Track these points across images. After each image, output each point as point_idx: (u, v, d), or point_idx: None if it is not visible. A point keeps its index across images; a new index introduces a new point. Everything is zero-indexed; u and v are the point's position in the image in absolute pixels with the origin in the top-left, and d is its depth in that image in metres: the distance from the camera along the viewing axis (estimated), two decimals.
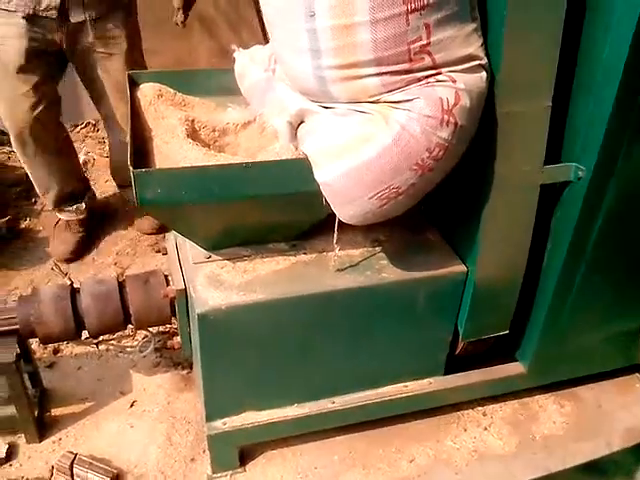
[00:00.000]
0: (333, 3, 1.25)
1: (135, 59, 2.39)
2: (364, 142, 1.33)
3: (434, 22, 1.27)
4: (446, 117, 1.30)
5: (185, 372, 2.18)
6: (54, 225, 2.73)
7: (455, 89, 1.31)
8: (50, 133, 2.43)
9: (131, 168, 1.37)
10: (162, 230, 2.74)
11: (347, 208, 1.42)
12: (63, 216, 2.70)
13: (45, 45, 2.23)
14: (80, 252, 2.69)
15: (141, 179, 1.37)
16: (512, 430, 2.04)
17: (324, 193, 1.43)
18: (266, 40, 2.59)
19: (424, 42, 1.28)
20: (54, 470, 1.84)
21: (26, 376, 1.91)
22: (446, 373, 1.95)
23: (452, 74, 1.32)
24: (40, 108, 2.31)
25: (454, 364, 1.95)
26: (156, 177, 1.40)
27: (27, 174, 2.79)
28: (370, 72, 1.30)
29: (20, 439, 1.93)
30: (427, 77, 1.31)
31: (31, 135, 2.35)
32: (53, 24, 2.18)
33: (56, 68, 2.36)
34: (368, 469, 1.90)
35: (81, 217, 2.72)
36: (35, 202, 2.91)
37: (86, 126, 3.33)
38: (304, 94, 1.45)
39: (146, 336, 2.24)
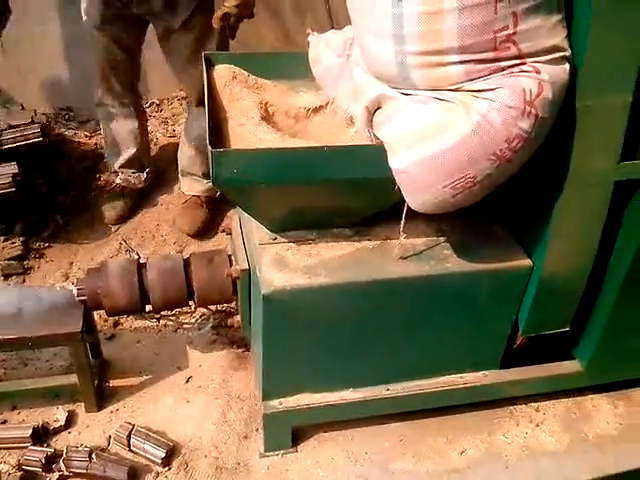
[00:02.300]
0: None
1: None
2: (443, 130, 1.33)
3: (522, 11, 1.26)
4: (528, 108, 1.29)
5: (240, 351, 2.21)
6: (110, 189, 2.89)
7: (539, 80, 1.30)
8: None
9: (209, 147, 1.39)
10: (199, 235, 2.77)
11: (420, 196, 1.42)
12: (122, 181, 2.83)
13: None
14: (123, 220, 2.81)
15: (219, 159, 1.40)
16: (564, 428, 2.02)
17: (398, 180, 1.43)
18: (332, 26, 2.61)
19: (511, 31, 1.27)
20: (111, 439, 1.90)
21: (87, 347, 1.96)
22: (502, 367, 1.94)
23: (536, 65, 1.31)
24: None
25: (510, 358, 1.94)
26: (233, 157, 1.42)
27: (93, 150, 2.89)
28: (454, 60, 1.29)
29: (79, 408, 2.00)
30: (511, 67, 1.30)
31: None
32: None
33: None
34: (418, 457, 1.90)
35: (138, 186, 2.86)
36: (100, 178, 2.98)
37: (150, 105, 3.38)
38: (382, 80, 1.45)
39: (204, 314, 2.29)
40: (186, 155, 2.76)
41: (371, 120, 1.48)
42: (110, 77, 2.55)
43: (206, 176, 2.69)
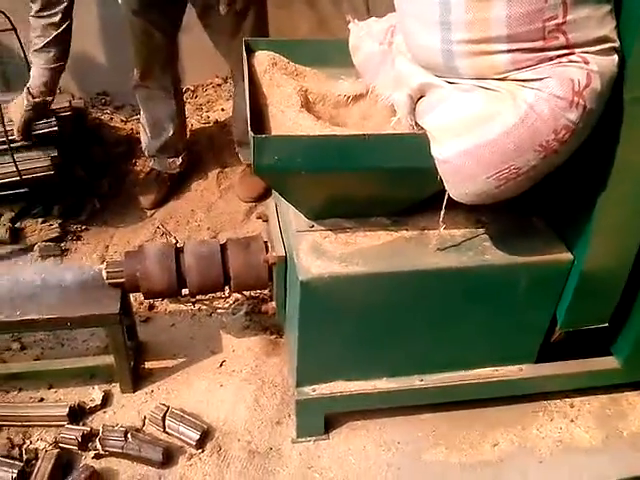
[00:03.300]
0: None
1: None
2: (489, 120, 1.31)
3: (571, 0, 1.24)
4: (576, 99, 1.27)
5: (273, 337, 2.22)
6: (146, 173, 2.94)
7: (587, 71, 1.27)
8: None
9: (251, 133, 1.39)
10: (259, 200, 2.80)
11: (463, 187, 1.40)
12: (158, 165, 2.86)
13: None
14: (158, 205, 2.84)
15: (261, 145, 1.40)
16: (599, 424, 2.00)
17: (440, 170, 1.41)
18: (369, 14, 2.60)
19: (560, 20, 1.24)
20: (146, 420, 1.93)
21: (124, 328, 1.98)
22: (537, 361, 1.92)
23: (585, 55, 1.28)
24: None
25: (546, 352, 1.91)
26: (276, 143, 1.42)
27: (128, 135, 2.92)
28: (501, 48, 1.27)
29: (115, 388, 2.03)
30: (559, 57, 1.28)
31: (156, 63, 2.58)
32: None
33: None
34: (450, 449, 1.90)
35: (172, 172, 2.88)
36: (136, 163, 3.01)
37: (185, 92, 3.39)
38: (427, 68, 1.43)
39: (237, 299, 2.30)
40: (239, 127, 2.78)
41: (414, 108, 1.47)
42: (149, 60, 2.56)
43: None
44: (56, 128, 2.47)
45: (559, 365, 1.95)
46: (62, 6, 2.21)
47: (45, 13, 2.21)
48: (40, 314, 1.84)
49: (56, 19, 2.22)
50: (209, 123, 3.31)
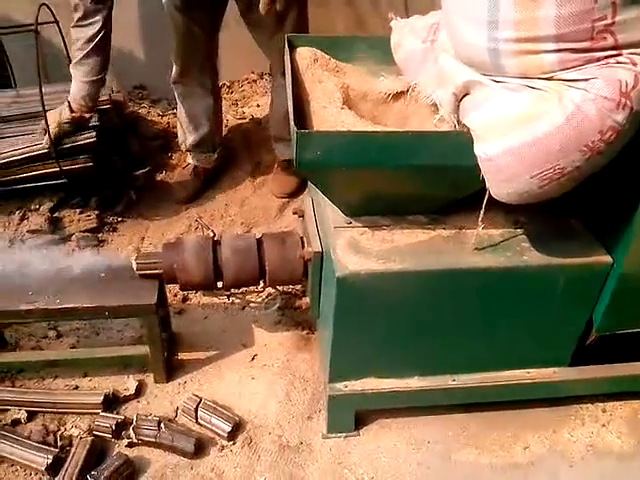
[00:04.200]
0: None
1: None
2: (534, 119, 1.31)
3: (621, 1, 1.23)
4: (623, 100, 1.26)
5: (305, 332, 2.24)
6: (182, 168, 2.98)
7: (635, 72, 1.26)
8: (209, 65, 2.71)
9: (295, 129, 1.40)
10: (292, 195, 2.82)
11: (505, 186, 1.40)
12: (194, 160, 2.90)
13: None
14: (193, 199, 2.87)
15: (304, 140, 1.41)
16: (631, 430, 1.98)
17: (483, 169, 1.41)
18: (408, 13, 2.59)
19: (609, 21, 1.24)
20: (179, 411, 1.95)
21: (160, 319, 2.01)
22: (571, 364, 1.90)
23: (633, 56, 1.27)
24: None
25: (580, 356, 1.90)
26: (318, 139, 1.43)
27: (165, 129, 2.95)
28: (548, 48, 1.27)
29: (148, 378, 2.06)
30: (607, 57, 1.27)
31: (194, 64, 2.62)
32: None
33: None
34: (481, 450, 1.90)
35: (208, 166, 2.92)
36: (171, 156, 3.04)
37: (221, 87, 3.42)
38: (472, 66, 1.43)
39: (270, 294, 2.31)
40: (276, 122, 2.80)
41: (458, 106, 1.47)
42: (189, 57, 2.59)
43: None
44: (95, 139, 2.48)
45: (592, 369, 1.93)
46: (102, 14, 2.25)
47: (86, 22, 2.25)
48: (79, 303, 1.87)
49: (96, 29, 2.26)
50: (244, 119, 3.34)
